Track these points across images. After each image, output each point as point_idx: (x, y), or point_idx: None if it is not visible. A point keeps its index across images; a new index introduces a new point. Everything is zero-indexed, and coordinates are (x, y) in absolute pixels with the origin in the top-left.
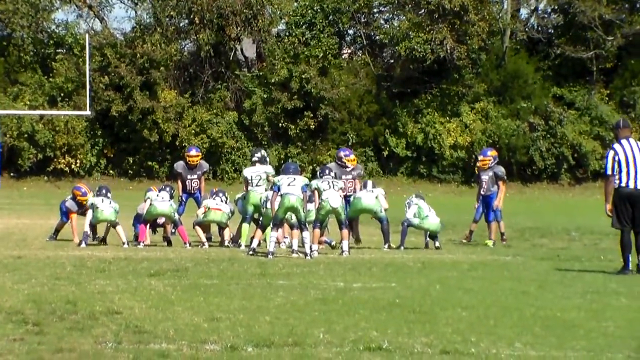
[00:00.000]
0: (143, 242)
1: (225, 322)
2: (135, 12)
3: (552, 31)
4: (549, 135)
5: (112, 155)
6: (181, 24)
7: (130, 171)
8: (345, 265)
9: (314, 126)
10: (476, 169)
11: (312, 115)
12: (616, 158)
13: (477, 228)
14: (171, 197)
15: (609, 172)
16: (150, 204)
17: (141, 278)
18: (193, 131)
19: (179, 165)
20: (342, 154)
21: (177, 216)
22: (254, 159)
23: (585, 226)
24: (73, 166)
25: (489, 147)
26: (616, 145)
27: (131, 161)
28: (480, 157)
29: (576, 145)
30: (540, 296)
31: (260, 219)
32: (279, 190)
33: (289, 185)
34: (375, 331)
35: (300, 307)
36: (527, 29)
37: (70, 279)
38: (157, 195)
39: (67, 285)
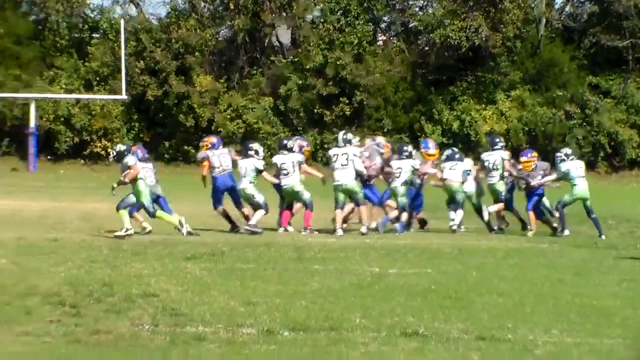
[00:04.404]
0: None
1: (262, 306)
2: None
3: (587, 20)
4: (585, 124)
5: (148, 140)
6: (216, 10)
7: (166, 155)
8: (380, 251)
9: (349, 112)
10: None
11: (347, 101)
12: None
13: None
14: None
15: None
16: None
17: (177, 261)
18: (229, 116)
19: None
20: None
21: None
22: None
23: (622, 214)
24: (109, 150)
25: (529, 149)
26: None
27: (167, 145)
28: (523, 159)
29: (612, 133)
30: (576, 283)
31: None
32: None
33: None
34: (411, 317)
35: (336, 292)
36: (562, 18)
37: (107, 262)
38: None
39: (104, 268)
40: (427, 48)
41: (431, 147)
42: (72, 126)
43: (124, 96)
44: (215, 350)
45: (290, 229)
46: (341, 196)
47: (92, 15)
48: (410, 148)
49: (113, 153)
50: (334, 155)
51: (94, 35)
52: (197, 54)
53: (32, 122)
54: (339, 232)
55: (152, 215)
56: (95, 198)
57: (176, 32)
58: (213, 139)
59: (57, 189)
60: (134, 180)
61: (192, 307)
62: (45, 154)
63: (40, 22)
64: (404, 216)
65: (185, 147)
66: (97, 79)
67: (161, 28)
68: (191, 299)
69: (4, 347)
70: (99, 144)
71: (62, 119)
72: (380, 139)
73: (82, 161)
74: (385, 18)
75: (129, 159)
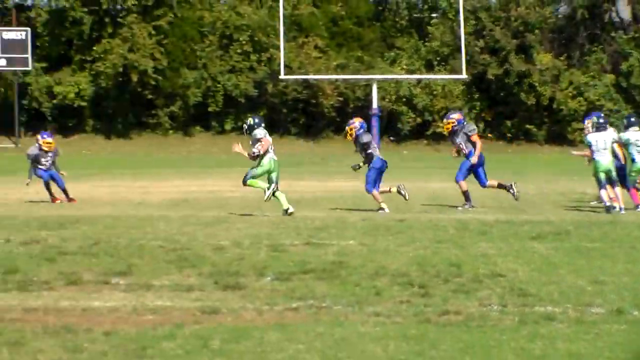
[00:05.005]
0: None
1: (610, 285)
2: None
3: None
4: None
5: (490, 119)
6: None
7: (508, 134)
8: None
9: None
10: None
11: None
12: None
13: None
14: None
15: None
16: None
17: (523, 241)
18: (570, 94)
19: None
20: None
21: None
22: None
23: None
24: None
25: None
26: None
27: (509, 124)
28: None
29: None
30: None
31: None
32: None
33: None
34: None
35: None
36: None
37: (453, 242)
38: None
39: (450, 248)
40: None
41: None
42: (414, 106)
43: (464, 75)
44: (564, 329)
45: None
46: None
47: None
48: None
49: (245, 126)
50: None
51: (433, 14)
52: (536, 31)
53: (375, 103)
54: None
55: (244, 182)
56: (439, 178)
57: (515, 10)
58: (460, 116)
59: (401, 169)
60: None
61: (540, 286)
62: (388, 135)
63: (380, 3)
64: None
65: (527, 126)
66: (438, 58)
67: (500, 6)
68: (538, 278)
69: (355, 327)
70: (441, 124)
71: (404, 99)
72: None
73: (424, 141)
74: None
75: (258, 132)
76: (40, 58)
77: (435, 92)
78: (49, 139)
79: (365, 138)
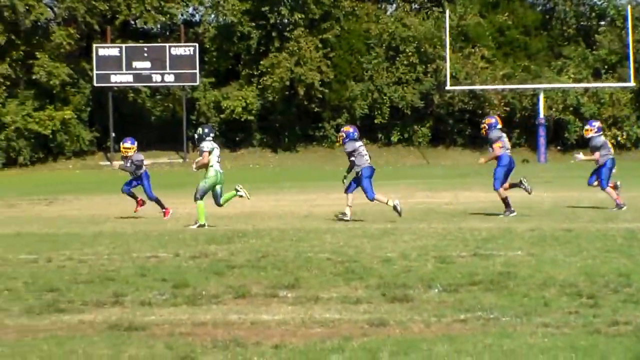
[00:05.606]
0: None
1: None
2: None
3: None
4: None
5: None
6: None
7: None
8: None
9: None
10: None
11: None
12: None
13: None
14: None
15: None
16: None
17: None
18: None
19: None
20: None
21: None
22: None
23: None
24: (619, 138)
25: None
26: None
27: None
28: None
29: None
30: None
31: None
32: None
33: None
34: None
35: None
36: None
37: (622, 251)
38: None
39: (619, 258)
40: None
41: None
42: (581, 115)
43: (632, 83)
44: None
45: None
46: None
47: (599, 3)
48: None
49: (196, 136)
50: None
51: (601, 23)
52: None
53: (541, 113)
54: None
55: (196, 199)
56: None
57: None
58: (492, 120)
59: (568, 179)
60: (207, 166)
61: None
62: (555, 144)
63: (548, 12)
64: None
65: None
66: (605, 67)
67: None
68: None
69: (524, 338)
70: (609, 133)
71: (571, 108)
72: None
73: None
74: None
75: (205, 144)
76: (208, 73)
77: (602, 101)
78: (127, 144)
79: (349, 147)
